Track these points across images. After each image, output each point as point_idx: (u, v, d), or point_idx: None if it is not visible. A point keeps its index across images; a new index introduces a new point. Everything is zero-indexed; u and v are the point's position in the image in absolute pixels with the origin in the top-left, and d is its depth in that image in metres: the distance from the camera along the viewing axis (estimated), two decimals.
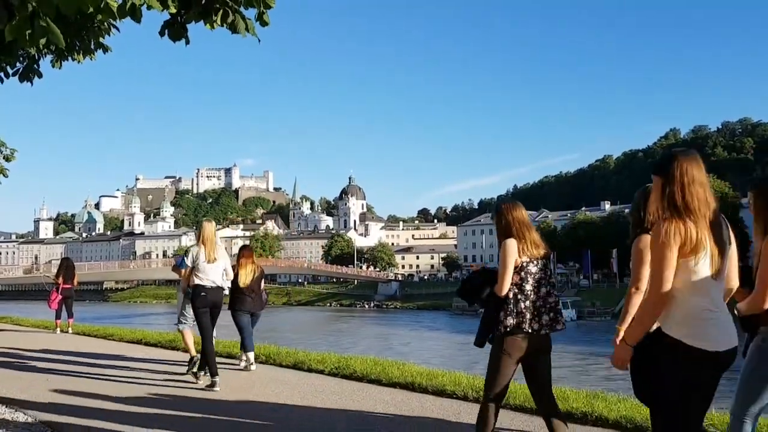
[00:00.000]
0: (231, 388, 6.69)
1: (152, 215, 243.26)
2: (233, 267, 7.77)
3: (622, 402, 5.36)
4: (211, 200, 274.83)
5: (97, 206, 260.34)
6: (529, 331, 3.65)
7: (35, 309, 35.46)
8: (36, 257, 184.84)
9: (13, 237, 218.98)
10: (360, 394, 6.24)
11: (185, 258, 7.15)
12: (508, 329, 3.64)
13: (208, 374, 6.77)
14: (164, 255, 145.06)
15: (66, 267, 14.44)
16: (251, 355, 8.06)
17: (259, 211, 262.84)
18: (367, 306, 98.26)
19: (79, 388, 6.79)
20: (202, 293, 6.90)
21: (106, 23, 4.09)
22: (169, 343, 10.33)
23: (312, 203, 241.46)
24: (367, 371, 7.05)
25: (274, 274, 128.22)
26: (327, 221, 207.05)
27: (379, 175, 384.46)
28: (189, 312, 7.48)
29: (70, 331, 13.78)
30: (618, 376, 29.39)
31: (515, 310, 3.63)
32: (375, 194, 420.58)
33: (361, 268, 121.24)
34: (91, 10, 2.83)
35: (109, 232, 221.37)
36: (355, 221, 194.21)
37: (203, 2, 3.63)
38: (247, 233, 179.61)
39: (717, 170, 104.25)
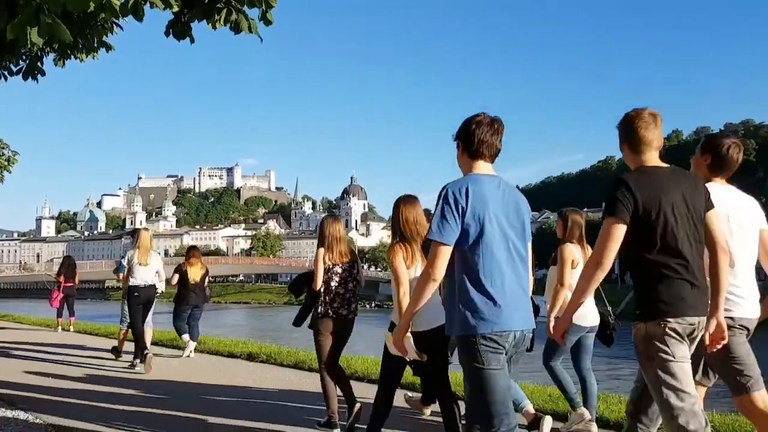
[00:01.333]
0: (232, 387, 6.69)
1: (154, 214, 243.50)
2: (182, 265, 9.36)
3: (623, 403, 5.35)
4: (212, 199, 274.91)
5: (99, 205, 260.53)
6: (334, 315, 4.85)
7: (37, 307, 35.52)
8: (38, 256, 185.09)
9: (15, 235, 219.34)
10: (362, 394, 6.24)
11: (122, 262, 8.39)
12: (320, 314, 4.82)
13: (139, 359, 7.94)
14: (166, 254, 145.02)
15: (68, 265, 14.47)
16: (193, 344, 9.27)
17: (261, 211, 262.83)
18: (368, 306, 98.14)
19: (81, 386, 6.81)
20: (136, 293, 8.19)
21: (109, 22, 4.10)
22: (170, 342, 10.34)
23: (314, 203, 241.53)
24: (369, 371, 7.05)
25: (276, 274, 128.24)
26: None
27: (380, 175, 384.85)
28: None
29: (72, 329, 13.80)
30: (618, 377, 29.41)
31: (325, 300, 4.82)
32: (376, 194, 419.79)
33: (362, 267, 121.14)
34: (93, 7, 2.84)
35: (111, 231, 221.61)
36: (356, 221, 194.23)
37: (206, 1, 3.63)
38: (249, 232, 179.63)
39: None
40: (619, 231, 2.78)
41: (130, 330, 8.69)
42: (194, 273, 9.30)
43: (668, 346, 2.70)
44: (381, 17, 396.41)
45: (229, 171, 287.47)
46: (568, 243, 5.03)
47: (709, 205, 2.96)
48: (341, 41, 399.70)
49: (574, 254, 4.92)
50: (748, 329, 3.30)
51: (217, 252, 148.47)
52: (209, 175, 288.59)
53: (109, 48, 4.60)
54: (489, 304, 2.70)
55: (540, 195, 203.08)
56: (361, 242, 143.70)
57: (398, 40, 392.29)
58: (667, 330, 2.70)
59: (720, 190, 3.28)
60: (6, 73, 4.62)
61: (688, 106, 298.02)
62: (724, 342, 2.96)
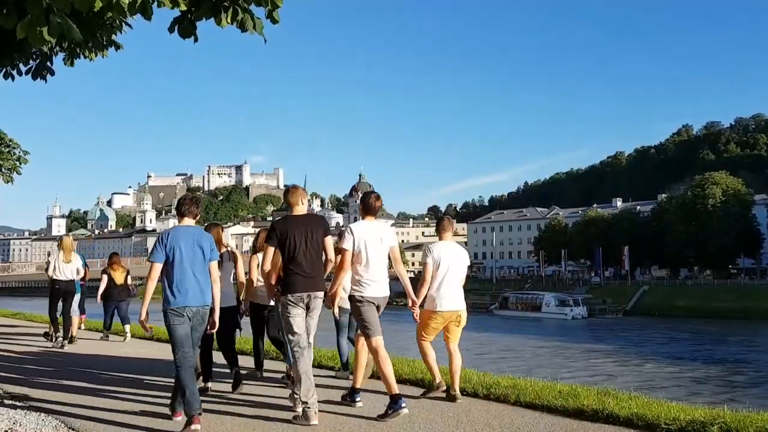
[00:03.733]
0: (245, 388, 6.72)
1: (164, 212, 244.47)
2: (107, 269, 12.32)
3: (633, 399, 5.34)
4: (222, 197, 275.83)
5: (109, 203, 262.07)
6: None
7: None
8: (49, 254, 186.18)
9: (26, 234, 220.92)
10: (369, 390, 6.24)
11: (50, 260, 10.49)
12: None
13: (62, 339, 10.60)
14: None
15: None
16: (128, 327, 12.07)
17: (270, 208, 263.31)
18: None
19: (91, 384, 6.84)
20: (57, 286, 10.42)
21: (117, 20, 4.11)
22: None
23: (322, 200, 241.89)
24: (375, 368, 7.03)
25: None
26: (337, 218, 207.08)
27: (389, 172, 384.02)
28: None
29: (83, 327, 13.87)
30: (626, 373, 29.30)
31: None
32: (385, 191, 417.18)
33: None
34: (101, 5, 2.85)
35: (121, 229, 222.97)
36: None
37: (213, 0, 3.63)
38: (258, 230, 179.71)
39: (730, 167, 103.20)
40: (272, 250, 5.29)
41: (82, 317, 12.68)
42: (117, 276, 12.25)
43: (288, 308, 5.19)
44: (391, 15, 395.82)
45: (238, 169, 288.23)
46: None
47: (326, 233, 5.39)
48: (350, 39, 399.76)
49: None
50: (376, 304, 5.50)
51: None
52: (218, 173, 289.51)
53: (118, 47, 4.61)
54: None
55: (550, 191, 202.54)
56: None
57: (408, 37, 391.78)
58: (288, 299, 5.19)
59: (366, 223, 5.57)
60: (15, 72, 4.64)
61: (698, 102, 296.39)
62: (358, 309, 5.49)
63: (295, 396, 5.15)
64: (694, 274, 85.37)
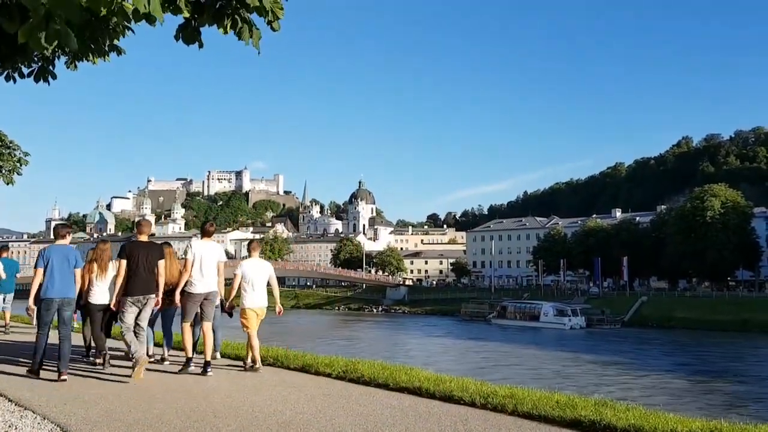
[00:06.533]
0: (239, 388, 6.71)
1: (163, 217, 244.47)
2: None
3: (631, 410, 5.32)
4: (221, 203, 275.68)
5: (108, 207, 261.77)
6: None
7: None
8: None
9: (25, 237, 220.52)
10: (367, 398, 6.24)
11: None
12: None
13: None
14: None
15: None
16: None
17: (269, 214, 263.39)
18: (375, 310, 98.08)
19: (92, 389, 6.83)
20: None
21: (120, 26, 4.12)
22: (177, 344, 10.35)
23: (322, 207, 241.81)
24: (375, 375, 7.04)
25: (283, 277, 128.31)
26: (336, 225, 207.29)
27: (388, 179, 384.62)
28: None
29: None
30: (623, 384, 29.23)
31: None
32: (384, 199, 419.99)
33: (369, 272, 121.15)
34: (105, 11, 2.86)
35: (120, 233, 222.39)
36: (364, 225, 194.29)
37: (216, 7, 3.65)
38: (257, 236, 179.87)
39: (729, 179, 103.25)
40: (124, 264, 7.51)
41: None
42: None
43: (126, 307, 7.44)
44: (392, 23, 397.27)
45: (238, 174, 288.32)
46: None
47: (161, 257, 7.77)
48: (350, 46, 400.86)
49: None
50: (203, 297, 7.92)
51: (225, 255, 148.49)
52: (218, 179, 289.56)
53: (120, 51, 4.62)
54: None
55: (549, 201, 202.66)
56: (369, 246, 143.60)
57: (409, 46, 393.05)
58: (127, 299, 7.44)
59: (199, 241, 8.13)
60: (17, 75, 4.65)
61: (698, 114, 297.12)
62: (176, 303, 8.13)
63: (131, 354, 7.39)
64: (692, 286, 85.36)
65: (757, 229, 79.62)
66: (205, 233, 8.32)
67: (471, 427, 5.10)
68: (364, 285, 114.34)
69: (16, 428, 5.00)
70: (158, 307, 8.20)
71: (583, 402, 5.63)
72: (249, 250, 8.64)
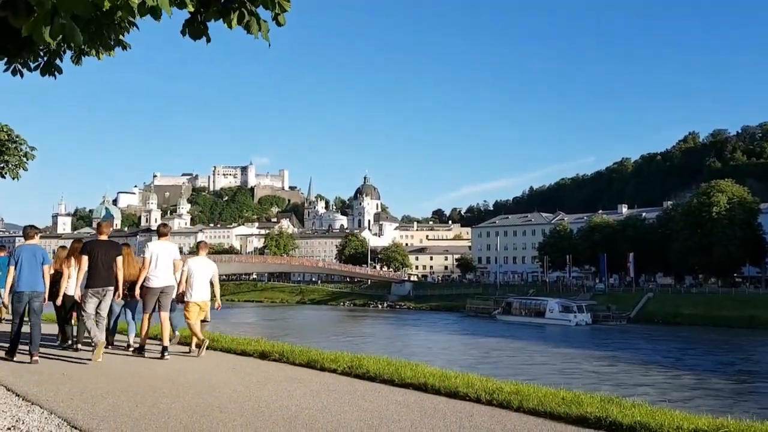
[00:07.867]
0: (245, 385, 6.72)
1: (169, 212, 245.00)
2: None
3: (637, 407, 5.30)
4: (227, 198, 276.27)
5: (114, 202, 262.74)
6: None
7: None
8: (53, 252, 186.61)
9: None
10: (372, 393, 6.23)
11: None
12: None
13: None
14: (180, 252, 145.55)
15: None
16: None
17: (275, 210, 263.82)
18: (380, 306, 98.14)
19: (95, 383, 6.85)
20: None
21: (126, 21, 4.11)
22: (184, 339, 10.39)
23: (327, 202, 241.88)
24: (380, 371, 7.03)
25: (288, 273, 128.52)
26: (341, 221, 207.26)
27: (394, 175, 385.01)
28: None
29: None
30: (629, 380, 29.15)
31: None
32: (390, 194, 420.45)
33: (374, 268, 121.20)
34: (109, 6, 2.85)
35: (126, 229, 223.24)
36: (369, 221, 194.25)
37: (222, 1, 3.64)
38: (262, 231, 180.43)
39: (736, 175, 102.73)
40: (86, 259, 8.38)
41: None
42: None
43: (87, 298, 8.36)
44: (397, 18, 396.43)
45: (243, 170, 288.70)
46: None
47: (118, 254, 8.69)
48: (356, 42, 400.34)
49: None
50: (160, 291, 8.89)
51: (230, 250, 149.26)
52: (224, 174, 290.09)
53: (125, 46, 4.61)
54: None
55: (555, 196, 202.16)
56: (374, 242, 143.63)
57: (415, 42, 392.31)
58: (89, 291, 8.37)
59: (156, 242, 9.13)
60: (24, 69, 4.65)
61: (704, 109, 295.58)
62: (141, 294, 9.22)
63: (89, 339, 8.53)
64: (698, 282, 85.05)
65: (763, 224, 79.16)
66: (161, 234, 9.32)
67: (476, 423, 5.09)
68: (369, 281, 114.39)
69: (23, 423, 5.02)
70: (122, 300, 9.33)
71: (588, 399, 5.62)
72: (197, 249, 9.65)
